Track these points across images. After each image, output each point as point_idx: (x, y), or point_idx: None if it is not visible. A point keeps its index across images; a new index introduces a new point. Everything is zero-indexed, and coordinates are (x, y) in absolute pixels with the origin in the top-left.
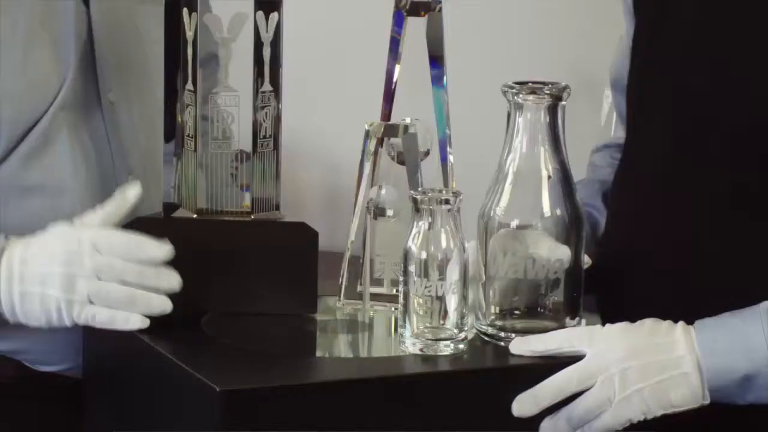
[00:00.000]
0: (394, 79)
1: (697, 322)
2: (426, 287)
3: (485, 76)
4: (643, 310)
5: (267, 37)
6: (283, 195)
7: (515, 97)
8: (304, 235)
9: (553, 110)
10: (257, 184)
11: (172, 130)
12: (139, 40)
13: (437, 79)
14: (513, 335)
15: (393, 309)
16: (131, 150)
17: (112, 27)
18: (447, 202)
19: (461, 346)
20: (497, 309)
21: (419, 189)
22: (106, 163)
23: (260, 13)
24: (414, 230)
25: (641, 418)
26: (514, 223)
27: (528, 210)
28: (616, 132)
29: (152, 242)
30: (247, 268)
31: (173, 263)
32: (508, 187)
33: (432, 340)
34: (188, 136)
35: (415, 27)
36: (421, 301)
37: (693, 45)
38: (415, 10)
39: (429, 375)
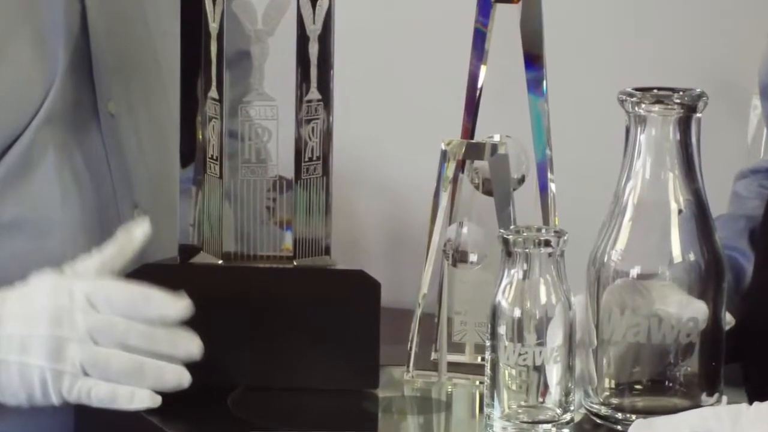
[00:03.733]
0: (479, 85)
1: None
2: (520, 354)
3: (596, 80)
4: None
5: (314, 29)
6: (335, 234)
7: (636, 108)
8: (362, 287)
9: (685, 124)
10: (301, 220)
11: (190, 151)
12: (148, 34)
13: (535, 85)
14: (633, 416)
15: (477, 383)
16: (137, 176)
17: (112, 16)
18: (547, 243)
19: (566, 430)
20: (613, 382)
21: (511, 227)
22: (104, 194)
23: None
24: (504, 281)
25: None
26: (635, 272)
27: (653, 254)
28: (767, 153)
29: (165, 296)
30: (288, 329)
31: (192, 323)
32: (626, 224)
33: (528, 422)
34: (211, 158)
35: (506, 17)
36: (513, 372)
37: None
38: None
39: None
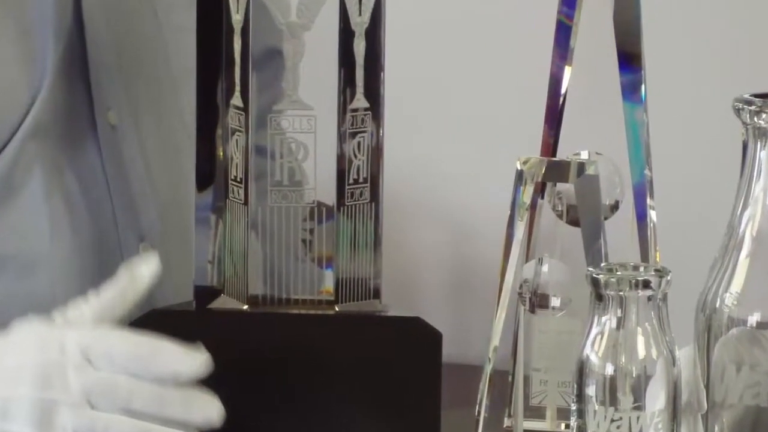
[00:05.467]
0: (563, 90)
1: None
2: (613, 421)
3: (706, 84)
4: None
5: (360, 23)
6: (386, 273)
7: (755, 119)
8: (419, 338)
9: None
10: (345, 256)
11: (209, 171)
12: (157, 28)
13: (631, 90)
14: None
15: None
16: (144, 202)
17: (112, 7)
18: (647, 285)
19: None
20: None
21: (602, 264)
22: (103, 223)
23: None
24: (594, 330)
25: None
26: (754, 319)
27: None
28: None
29: (177, 349)
30: (329, 389)
31: (211, 382)
32: (743, 261)
33: None
34: (235, 180)
35: (596, 7)
36: None
37: None
38: None
39: None
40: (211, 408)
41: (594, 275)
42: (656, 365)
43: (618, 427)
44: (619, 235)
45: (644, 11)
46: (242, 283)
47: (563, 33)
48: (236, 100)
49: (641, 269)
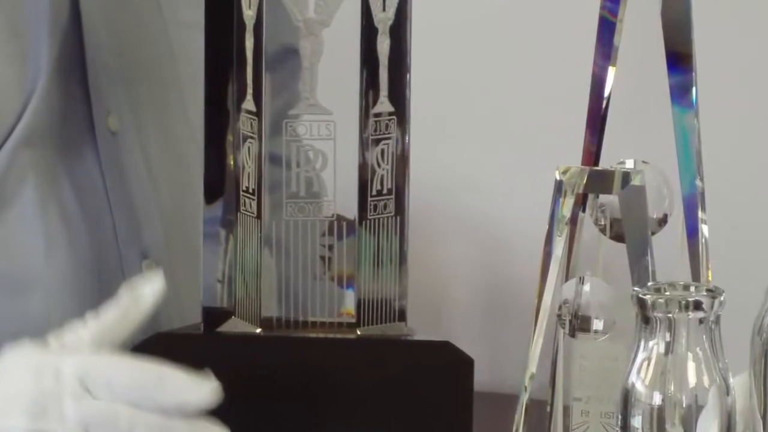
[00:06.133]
0: (606, 93)
1: None
2: None
3: (760, 86)
4: None
5: (384, 19)
6: (413, 294)
7: None
8: (448, 364)
9: None
10: (367, 275)
11: (218, 182)
12: (161, 25)
13: (681, 93)
14: None
15: None
16: (147, 215)
17: (112, 4)
18: (698, 306)
19: None
20: None
21: (649, 284)
22: (103, 238)
23: None
24: (640, 356)
25: None
26: None
27: None
28: None
29: (184, 377)
30: (350, 420)
31: (221, 412)
32: None
33: None
34: (246, 191)
35: (642, 3)
36: None
37: None
38: None
39: None
40: None
41: (640, 296)
42: (708, 394)
43: None
44: (667, 251)
45: (695, 7)
46: (255, 305)
47: (607, 30)
48: (248, 103)
49: (692, 289)
